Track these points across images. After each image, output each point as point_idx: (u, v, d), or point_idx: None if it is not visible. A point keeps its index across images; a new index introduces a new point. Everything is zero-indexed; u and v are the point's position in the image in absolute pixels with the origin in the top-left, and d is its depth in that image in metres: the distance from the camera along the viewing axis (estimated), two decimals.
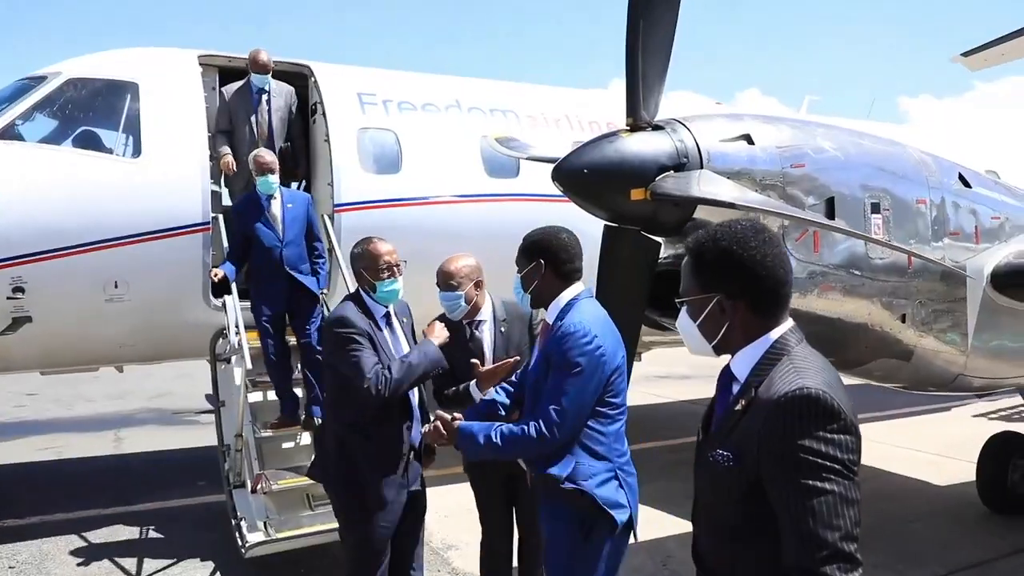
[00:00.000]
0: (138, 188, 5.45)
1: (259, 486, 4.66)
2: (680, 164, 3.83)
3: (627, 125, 3.92)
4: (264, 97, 6.09)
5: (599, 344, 2.67)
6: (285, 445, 5.21)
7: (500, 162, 6.74)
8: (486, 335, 3.70)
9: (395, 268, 3.39)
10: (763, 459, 1.61)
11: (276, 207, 5.35)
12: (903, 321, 4.50)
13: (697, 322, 1.82)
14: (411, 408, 3.38)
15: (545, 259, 2.83)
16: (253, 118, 6.03)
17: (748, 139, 4.00)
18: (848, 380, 5.73)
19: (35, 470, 7.48)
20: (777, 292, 1.74)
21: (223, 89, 6.10)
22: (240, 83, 6.09)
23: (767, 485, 1.62)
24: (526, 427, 2.63)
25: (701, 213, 3.93)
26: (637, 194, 3.76)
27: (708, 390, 1.92)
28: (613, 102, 7.18)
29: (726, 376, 1.83)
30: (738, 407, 1.71)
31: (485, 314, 3.72)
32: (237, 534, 4.81)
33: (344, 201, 6.06)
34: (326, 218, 6.01)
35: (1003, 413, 9.53)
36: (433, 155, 6.51)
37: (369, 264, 3.39)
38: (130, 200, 5.41)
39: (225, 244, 5.67)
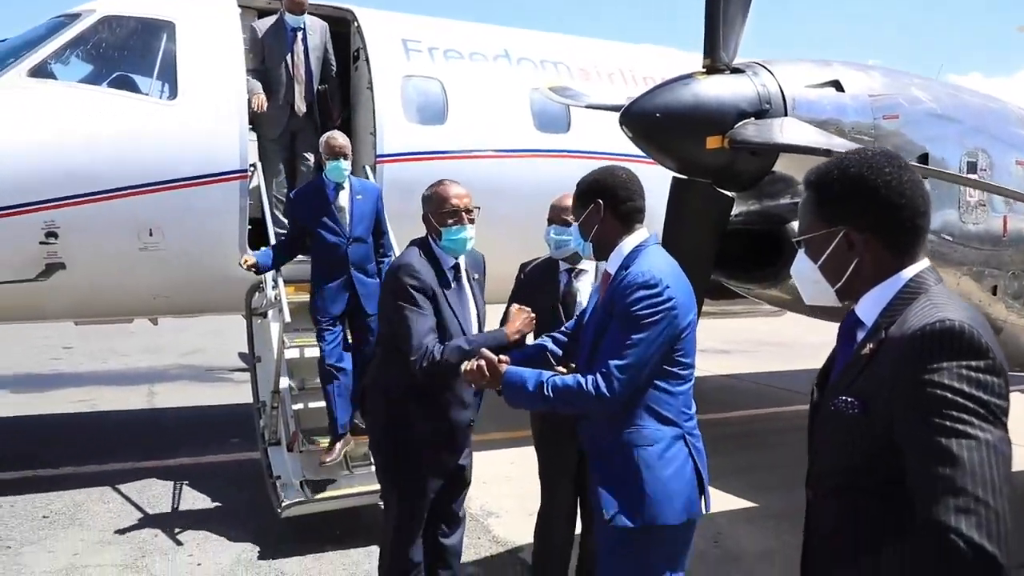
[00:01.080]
0: (173, 132, 5.22)
1: (295, 444, 4.47)
2: (762, 111, 3.50)
3: (703, 67, 3.58)
4: (299, 35, 5.77)
5: (671, 296, 2.30)
6: (320, 404, 4.99)
7: (550, 116, 6.42)
8: (584, 285, 3.39)
9: (464, 214, 3.00)
10: (895, 403, 1.40)
11: (344, 198, 4.77)
12: (993, 294, 4.14)
13: (819, 262, 1.63)
14: None
15: (603, 199, 2.45)
16: (289, 58, 5.72)
17: (837, 86, 3.65)
18: None
19: (69, 422, 7.45)
20: (915, 224, 1.54)
21: (253, 25, 5.79)
22: (272, 19, 5.79)
23: (898, 434, 1.40)
24: (584, 381, 2.25)
25: (783, 166, 3.60)
26: (713, 142, 3.44)
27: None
28: (669, 58, 6.83)
29: (850, 323, 1.62)
30: (865, 351, 1.51)
31: (589, 264, 3.42)
32: (273, 493, 4.66)
33: (387, 152, 5.79)
34: (368, 169, 5.75)
35: None
36: (480, 106, 6.21)
37: (435, 208, 3.03)
38: (165, 144, 5.19)
39: (264, 192, 5.41)
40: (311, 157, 5.79)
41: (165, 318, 7.29)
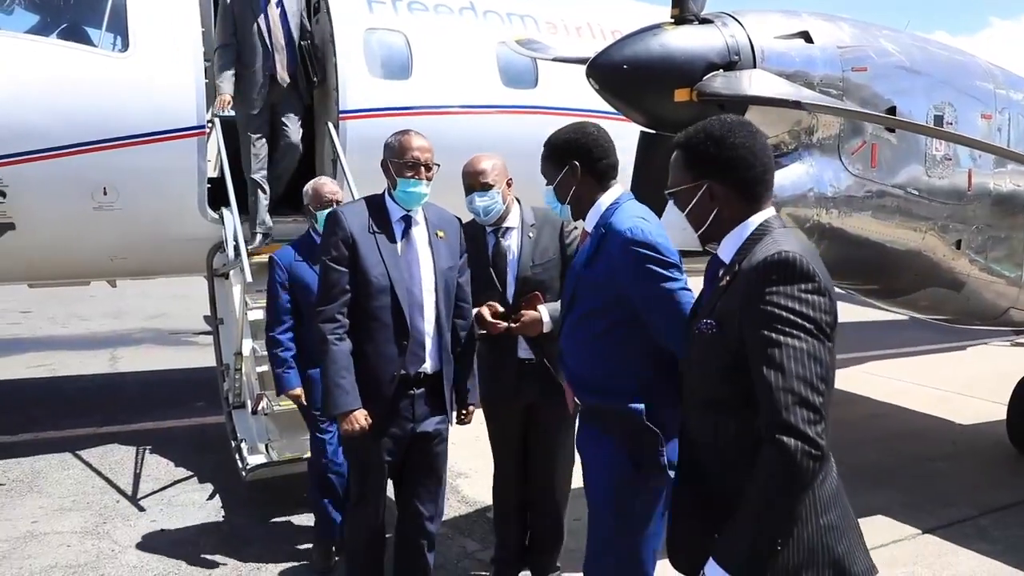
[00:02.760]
0: (126, 86, 5.01)
1: (260, 406, 4.41)
2: (731, 63, 3.44)
3: (672, 17, 3.50)
4: (275, 1, 5.42)
5: (671, 245, 2.30)
6: None
7: (517, 71, 6.29)
8: (513, 241, 3.34)
9: (422, 168, 2.91)
10: (743, 321, 1.68)
11: None
12: (958, 248, 4.17)
13: (686, 212, 1.89)
14: (408, 329, 2.89)
15: (579, 159, 2.43)
16: (263, 24, 5.38)
17: (806, 37, 3.60)
18: (887, 313, 5.57)
19: (28, 387, 7.29)
20: (764, 178, 1.84)
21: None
22: None
23: (747, 348, 1.68)
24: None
25: (752, 119, 3.54)
26: (682, 94, 3.37)
27: None
28: (639, 12, 6.70)
29: (713, 263, 1.91)
30: (722, 283, 1.80)
31: (514, 220, 3.36)
32: (237, 456, 4.60)
33: (349, 108, 5.63)
34: (330, 126, 5.60)
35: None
36: (446, 61, 6.05)
37: (394, 156, 2.94)
38: (118, 99, 4.99)
39: (222, 150, 5.23)
40: (291, 124, 5.50)
41: (126, 281, 7.14)
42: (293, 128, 5.51)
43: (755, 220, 1.82)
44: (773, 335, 1.61)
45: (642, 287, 2.28)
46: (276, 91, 5.46)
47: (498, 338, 3.21)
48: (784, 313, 1.62)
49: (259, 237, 5.33)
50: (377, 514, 3.06)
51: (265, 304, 5.06)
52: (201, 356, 7.78)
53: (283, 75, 5.42)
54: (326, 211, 3.56)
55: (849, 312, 10.95)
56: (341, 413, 2.84)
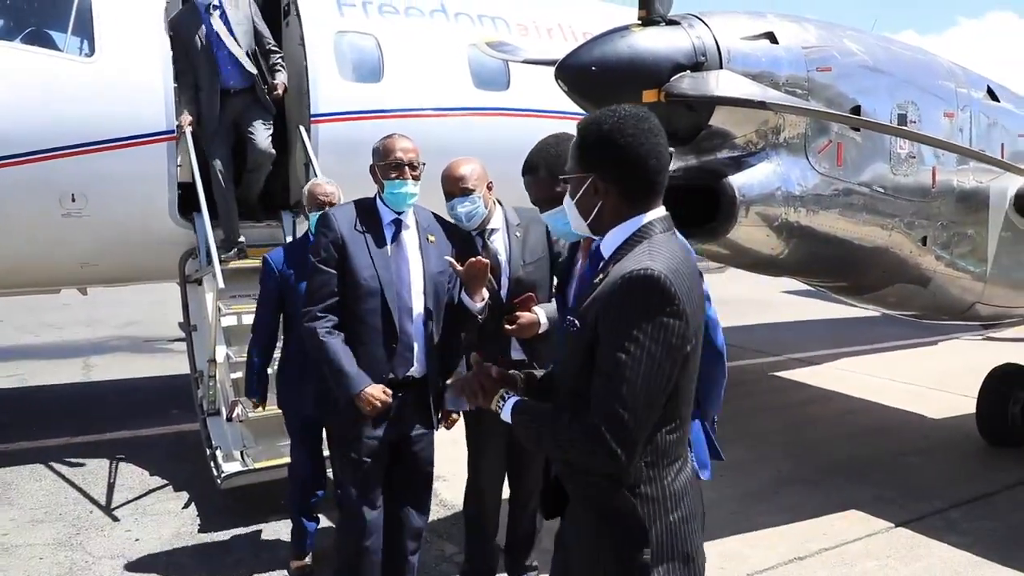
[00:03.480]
0: (93, 91, 4.95)
1: (235, 413, 4.38)
2: (697, 63, 3.49)
3: (639, 18, 3.53)
4: (216, 13, 5.29)
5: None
6: None
7: (489, 73, 6.29)
8: (499, 243, 3.33)
9: (407, 168, 2.95)
10: (598, 325, 1.71)
11: None
12: (923, 244, 4.24)
13: (574, 200, 1.88)
14: (397, 332, 2.92)
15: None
16: (204, 38, 5.25)
17: (771, 38, 3.65)
18: (860, 310, 5.64)
19: None
20: (647, 180, 1.79)
21: (169, 23, 5.31)
22: (183, 7, 5.40)
23: (597, 352, 1.72)
24: None
25: (719, 120, 3.59)
26: (649, 95, 3.41)
27: None
28: (609, 13, 6.74)
29: (595, 256, 1.90)
30: (596, 280, 1.79)
31: (497, 221, 3.35)
32: (212, 464, 4.57)
33: (321, 111, 5.60)
34: (302, 130, 5.57)
35: (990, 342, 9.45)
36: (417, 63, 6.03)
37: (380, 160, 2.99)
38: (85, 104, 4.92)
39: (192, 155, 5.19)
40: (257, 131, 5.39)
41: (97, 288, 7.05)
42: (260, 135, 5.42)
43: (637, 221, 1.80)
44: (618, 349, 1.65)
45: None
46: (233, 103, 5.37)
47: (490, 340, 3.18)
48: (634, 331, 1.65)
49: (233, 251, 5.29)
50: (366, 525, 3.02)
51: (239, 309, 5.10)
52: (176, 363, 7.69)
53: (233, 85, 5.33)
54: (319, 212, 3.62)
55: (821, 309, 11.15)
56: (355, 394, 2.83)
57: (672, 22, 3.54)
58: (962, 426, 6.10)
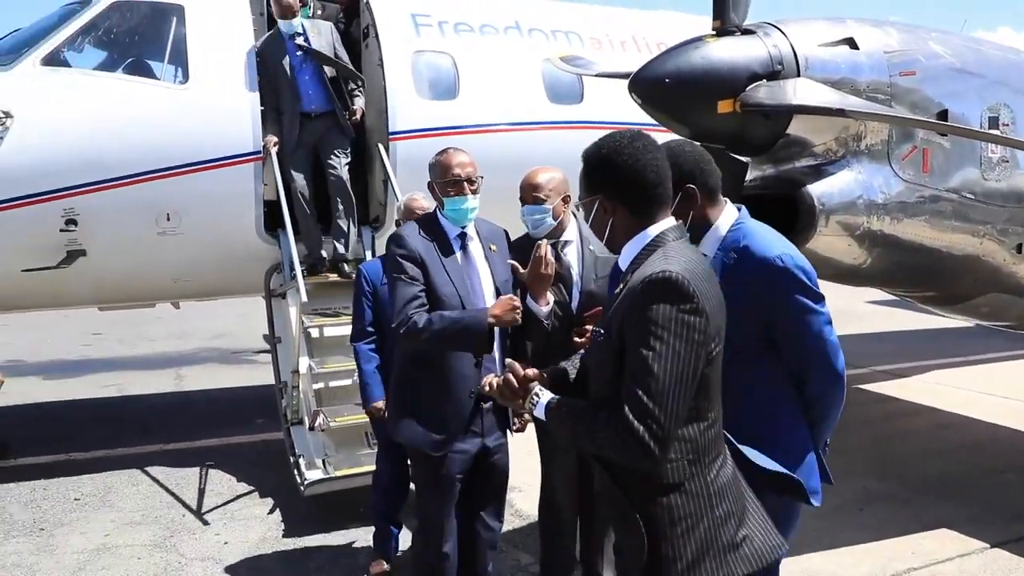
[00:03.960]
0: (186, 116, 5.23)
1: (317, 422, 4.52)
2: (774, 72, 3.44)
3: (713, 29, 3.51)
4: (300, 39, 5.48)
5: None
6: (341, 382, 5.02)
7: (563, 87, 6.33)
8: (573, 256, 3.32)
9: (465, 184, 2.95)
10: (624, 330, 1.81)
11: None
12: (1018, 252, 4.05)
13: (589, 222, 2.02)
14: (492, 344, 2.95)
15: (693, 182, 2.22)
16: (287, 64, 5.42)
17: (851, 43, 3.57)
18: (951, 320, 5.39)
19: (100, 406, 7.56)
20: (648, 194, 1.91)
21: (256, 45, 5.54)
22: (268, 34, 5.61)
23: (626, 354, 1.81)
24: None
25: (797, 128, 3.53)
26: (725, 106, 3.38)
27: None
28: (683, 23, 6.70)
29: (616, 271, 2.07)
30: (617, 291, 1.92)
31: (571, 234, 3.34)
32: (296, 472, 4.71)
33: (399, 129, 5.75)
34: (380, 147, 5.73)
35: None
36: (492, 80, 6.13)
37: (438, 176, 3.00)
38: (179, 129, 5.20)
39: (277, 174, 5.39)
40: (335, 161, 5.55)
41: (188, 302, 7.37)
42: (338, 165, 5.57)
43: (651, 232, 1.92)
44: (643, 350, 1.75)
45: (791, 319, 2.19)
46: (313, 127, 5.53)
47: (557, 350, 3.19)
48: (659, 330, 1.74)
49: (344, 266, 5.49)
50: (445, 533, 3.06)
51: (322, 322, 5.26)
52: (261, 374, 7.94)
53: (314, 110, 5.50)
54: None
55: (909, 320, 10.71)
56: (489, 325, 2.81)
57: (747, 31, 3.51)
58: None
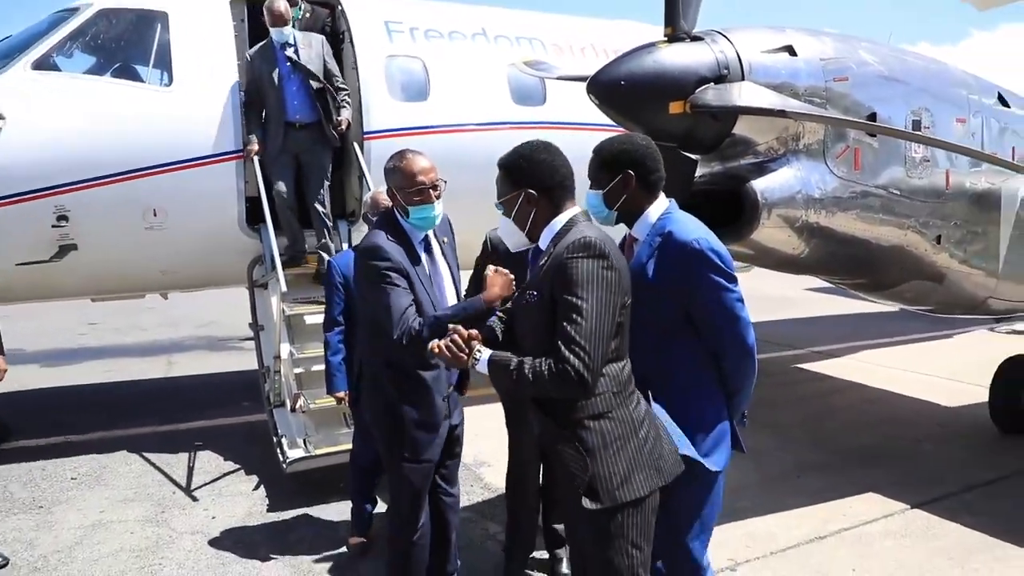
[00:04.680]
0: (171, 117, 5.07)
1: (298, 404, 4.43)
2: (720, 76, 3.42)
3: (665, 35, 3.47)
4: (291, 51, 5.26)
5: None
6: (320, 367, 4.91)
7: (527, 90, 6.27)
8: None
9: (431, 191, 2.71)
10: (555, 286, 2.03)
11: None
12: (938, 243, 4.10)
13: (512, 216, 2.22)
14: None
15: (633, 169, 2.32)
16: (276, 74, 5.23)
17: (791, 51, 3.56)
18: (879, 305, 5.45)
19: (95, 391, 7.36)
20: (564, 184, 2.20)
21: (248, 53, 5.32)
22: (261, 44, 5.39)
23: (556, 305, 2.02)
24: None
25: (741, 128, 3.51)
26: (676, 107, 3.36)
27: None
28: (639, 32, 6.66)
29: (536, 253, 2.25)
30: (541, 263, 2.13)
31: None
32: (278, 450, 4.62)
33: (373, 129, 5.64)
34: (355, 146, 5.62)
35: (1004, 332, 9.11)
36: (460, 83, 6.05)
37: (401, 183, 2.72)
38: (164, 129, 5.04)
39: (258, 172, 5.26)
40: (312, 177, 5.33)
41: (176, 293, 7.21)
42: (320, 199, 5.34)
43: (564, 216, 2.19)
44: (573, 298, 1.99)
45: (706, 297, 2.25)
46: (295, 137, 5.31)
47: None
48: (585, 281, 1.99)
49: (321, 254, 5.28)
50: (419, 519, 2.94)
51: (301, 310, 5.15)
52: (246, 360, 7.79)
53: (300, 120, 5.28)
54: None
55: (842, 305, 10.88)
56: (487, 303, 2.60)
57: (696, 38, 3.48)
58: (975, 414, 5.88)
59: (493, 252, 3.34)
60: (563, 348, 1.97)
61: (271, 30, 5.26)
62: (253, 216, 5.39)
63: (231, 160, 5.23)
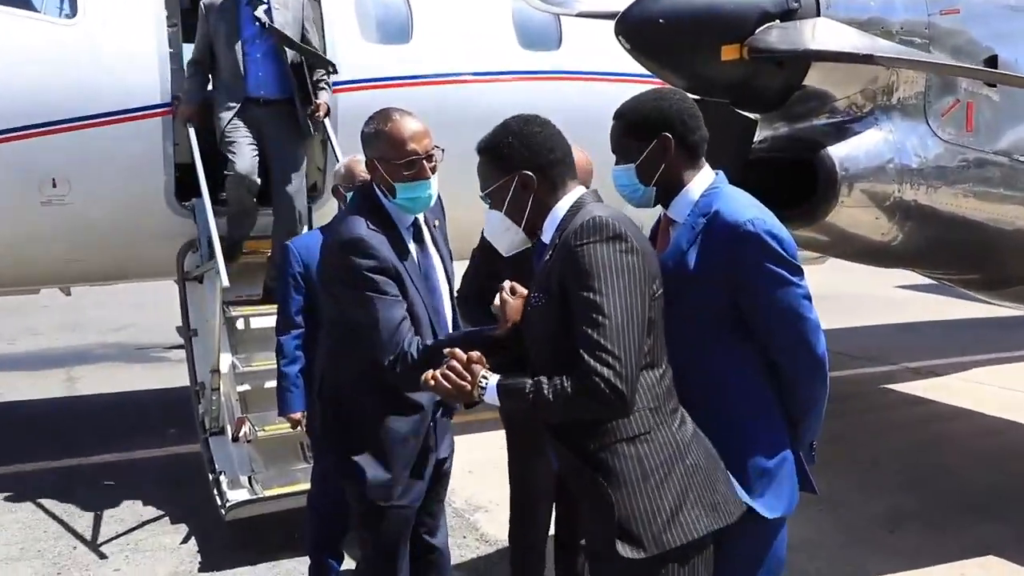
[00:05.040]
0: (75, 58, 5.10)
1: (241, 432, 4.48)
2: (789, 11, 3.45)
3: None
4: (261, 9, 5.23)
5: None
6: (273, 383, 4.96)
7: (538, 30, 6.32)
8: None
9: (424, 162, 2.65)
10: (565, 283, 2.08)
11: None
12: None
13: (504, 208, 2.29)
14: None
15: (671, 131, 2.31)
16: (240, 37, 5.23)
17: None
18: (997, 309, 5.43)
19: None
20: (564, 160, 2.29)
21: (203, 3, 5.32)
22: None
23: (571, 306, 2.07)
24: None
25: (815, 79, 3.55)
26: (729, 52, 3.39)
27: None
28: None
29: (540, 248, 2.31)
30: (547, 258, 2.20)
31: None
32: (215, 491, 4.66)
33: (341, 79, 5.66)
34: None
35: None
36: (452, 20, 6.11)
37: (388, 152, 2.64)
38: (66, 74, 5.06)
39: (191, 133, 5.30)
40: (280, 163, 5.33)
41: (83, 288, 7.26)
42: (282, 172, 5.34)
43: (568, 200, 2.25)
44: (589, 294, 2.02)
45: (761, 293, 2.24)
46: (257, 115, 5.31)
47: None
48: (601, 270, 2.02)
49: None
50: (404, 560, 2.98)
51: (248, 311, 5.20)
52: (173, 374, 7.89)
53: (264, 95, 5.31)
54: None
55: (946, 308, 10.92)
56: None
57: None
58: None
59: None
60: (587, 357, 1.98)
61: None
62: (185, 189, 5.43)
63: (156, 116, 5.27)
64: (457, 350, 2.19)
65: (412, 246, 2.78)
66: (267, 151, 5.36)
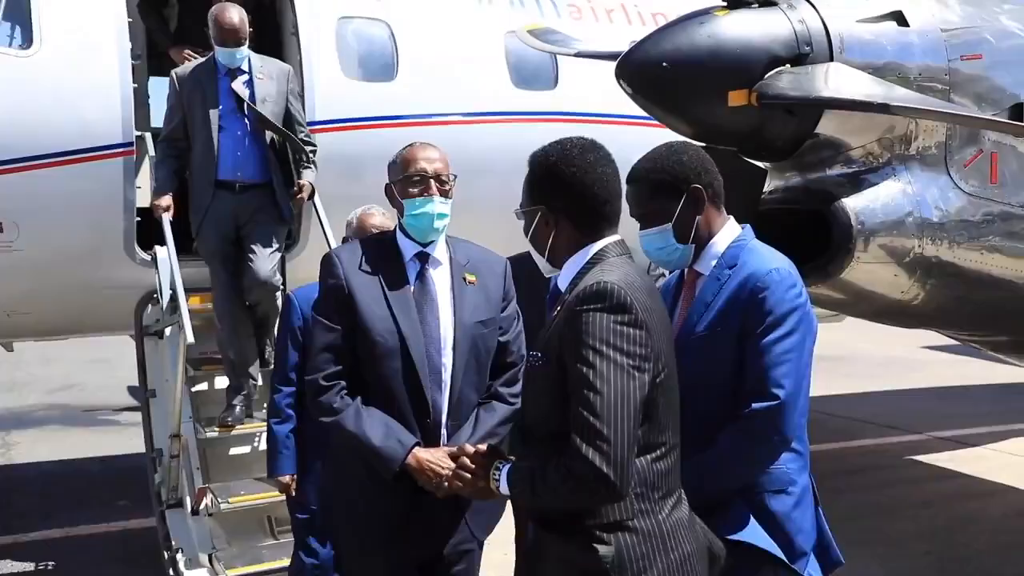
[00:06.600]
0: (30, 93, 5.18)
1: (203, 504, 4.50)
2: (800, 55, 3.58)
3: (724, 0, 3.66)
4: (241, 81, 5.20)
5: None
6: (238, 450, 5.02)
7: (533, 68, 6.48)
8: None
9: (431, 181, 2.82)
10: (563, 351, 2.14)
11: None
12: None
13: (528, 234, 2.38)
14: (428, 405, 2.80)
15: (700, 182, 2.49)
16: (214, 113, 5.14)
17: (899, 18, 3.74)
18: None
19: None
20: (596, 210, 2.29)
21: (174, 72, 5.31)
22: (198, 62, 5.34)
23: (568, 377, 2.12)
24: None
25: (829, 127, 3.68)
26: (737, 97, 3.52)
27: None
28: None
29: (553, 293, 2.39)
30: (555, 313, 2.26)
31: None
32: (171, 572, 4.66)
33: (320, 119, 5.80)
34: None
35: None
36: (441, 56, 6.25)
37: (398, 172, 2.88)
38: (18, 109, 5.14)
39: (149, 176, 5.38)
40: (258, 255, 5.16)
41: (25, 343, 7.25)
42: (260, 260, 5.19)
43: (592, 248, 2.29)
44: (583, 367, 2.06)
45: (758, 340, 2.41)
46: (231, 201, 5.22)
47: None
48: (597, 343, 2.06)
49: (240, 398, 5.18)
50: None
51: (213, 370, 5.22)
52: (125, 440, 7.85)
53: (241, 179, 5.23)
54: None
55: (977, 370, 10.92)
56: (399, 466, 2.67)
57: (768, 3, 3.66)
58: None
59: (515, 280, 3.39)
60: (577, 440, 2.03)
61: (217, 49, 5.20)
62: (147, 236, 5.48)
63: (117, 156, 5.35)
64: (465, 445, 2.36)
65: (412, 280, 2.89)
66: (243, 235, 5.27)
